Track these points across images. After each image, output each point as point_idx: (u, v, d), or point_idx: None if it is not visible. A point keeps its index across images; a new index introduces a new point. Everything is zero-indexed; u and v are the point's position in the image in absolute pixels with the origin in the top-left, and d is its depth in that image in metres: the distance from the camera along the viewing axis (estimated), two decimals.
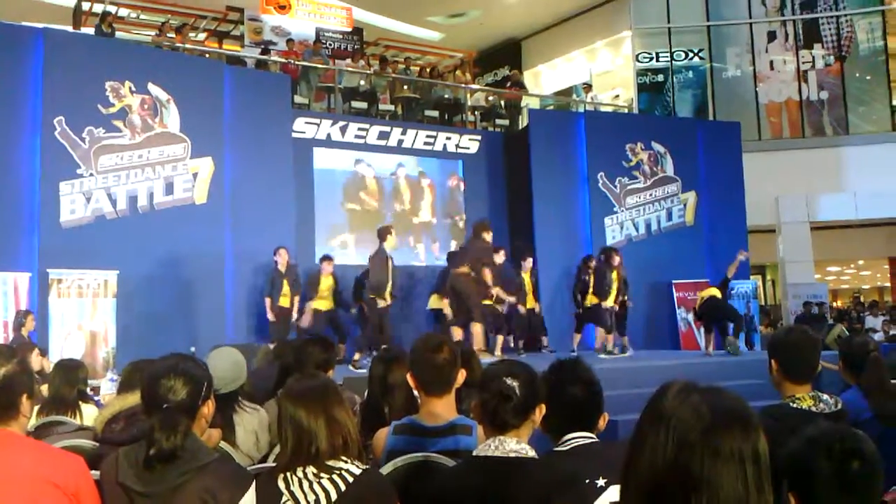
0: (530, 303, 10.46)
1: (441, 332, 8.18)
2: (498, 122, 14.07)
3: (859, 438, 1.66)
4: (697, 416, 1.17)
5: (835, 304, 19.32)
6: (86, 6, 14.07)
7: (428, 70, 14.67)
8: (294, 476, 2.09)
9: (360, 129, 11.89)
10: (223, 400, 3.04)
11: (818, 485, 1.56)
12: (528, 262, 10.50)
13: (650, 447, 1.18)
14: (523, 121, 13.67)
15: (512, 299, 9.47)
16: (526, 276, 10.40)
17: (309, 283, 9.80)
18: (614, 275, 9.83)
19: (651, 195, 13.04)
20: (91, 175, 9.02)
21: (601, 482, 2.12)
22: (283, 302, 9.50)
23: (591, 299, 10.00)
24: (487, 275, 8.76)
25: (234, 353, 3.35)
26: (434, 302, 10.40)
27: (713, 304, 9.75)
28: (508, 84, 15.08)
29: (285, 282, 9.48)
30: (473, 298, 8.78)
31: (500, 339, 9.48)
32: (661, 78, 17.31)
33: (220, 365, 3.15)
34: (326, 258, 9.91)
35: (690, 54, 17.29)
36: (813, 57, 16.76)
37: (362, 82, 12.88)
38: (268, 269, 9.61)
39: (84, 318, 8.57)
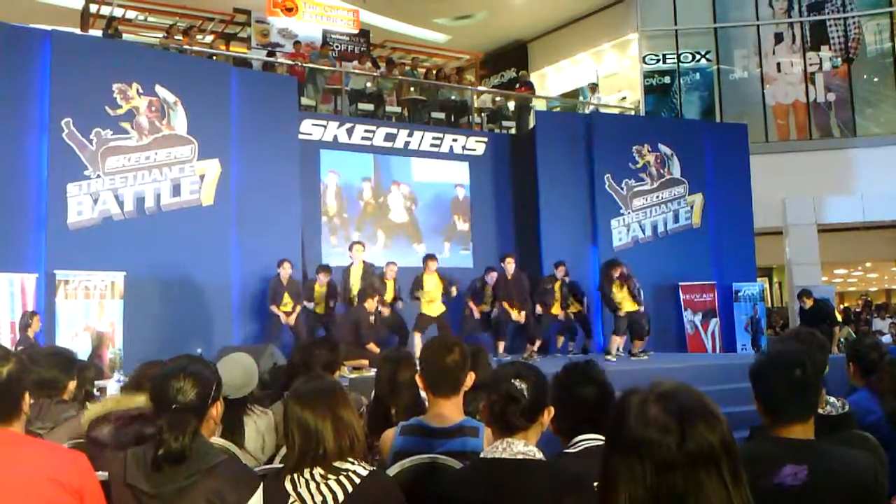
0: (556, 310, 10.57)
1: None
2: (504, 123, 14.07)
3: (801, 353, 2.19)
4: (666, 431, 1.14)
5: (842, 306, 19.22)
6: (93, 9, 14.11)
7: (434, 72, 14.63)
8: (301, 477, 2.10)
9: (366, 130, 11.90)
10: (233, 404, 3.05)
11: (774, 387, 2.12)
12: (560, 271, 10.57)
13: (626, 480, 1.15)
14: (531, 122, 13.65)
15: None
16: (556, 285, 10.52)
17: (306, 289, 9.87)
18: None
19: (658, 197, 13.03)
20: (98, 176, 9.04)
21: None
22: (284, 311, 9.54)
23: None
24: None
25: (244, 359, 3.33)
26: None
27: None
28: (518, 84, 15.07)
29: (286, 294, 9.51)
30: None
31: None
32: (667, 80, 17.29)
33: (232, 372, 3.14)
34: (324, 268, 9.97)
35: (697, 56, 17.26)
36: (820, 59, 16.72)
37: (369, 84, 12.85)
38: (274, 271, 9.60)
39: (91, 320, 8.59)
